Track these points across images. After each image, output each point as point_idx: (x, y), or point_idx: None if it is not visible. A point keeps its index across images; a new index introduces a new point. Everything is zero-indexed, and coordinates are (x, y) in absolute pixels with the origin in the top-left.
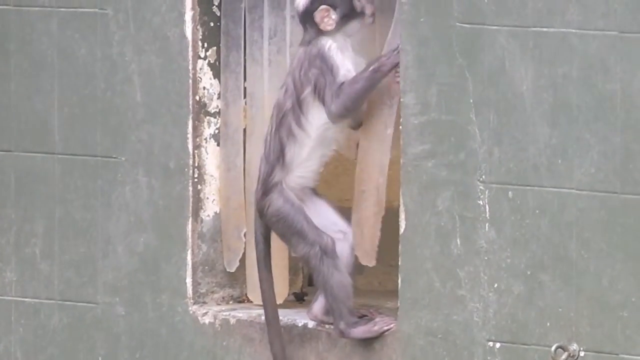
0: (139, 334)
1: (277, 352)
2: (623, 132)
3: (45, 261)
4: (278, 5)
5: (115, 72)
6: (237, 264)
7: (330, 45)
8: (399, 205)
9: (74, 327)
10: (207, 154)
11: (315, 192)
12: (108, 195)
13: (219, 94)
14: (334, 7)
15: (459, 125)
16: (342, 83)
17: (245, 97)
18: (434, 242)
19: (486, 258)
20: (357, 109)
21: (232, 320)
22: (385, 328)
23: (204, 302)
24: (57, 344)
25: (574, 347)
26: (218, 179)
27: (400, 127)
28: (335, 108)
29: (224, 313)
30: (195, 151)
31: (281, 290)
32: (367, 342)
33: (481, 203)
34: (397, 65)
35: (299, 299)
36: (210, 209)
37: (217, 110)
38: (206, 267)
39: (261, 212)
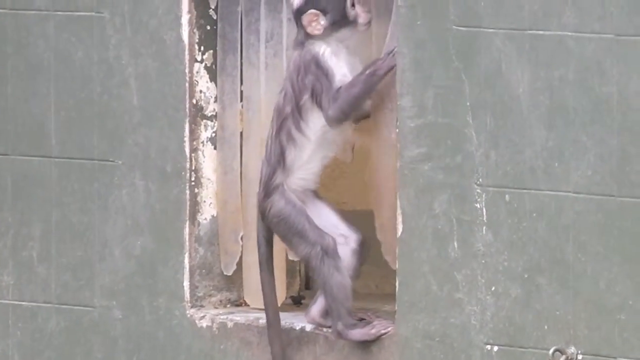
0: (136, 338)
1: (277, 354)
2: (619, 134)
3: (42, 264)
4: (275, 9)
5: (112, 75)
6: (235, 267)
7: (324, 50)
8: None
9: (71, 331)
10: (204, 157)
11: (317, 195)
12: (105, 199)
13: (215, 97)
14: (325, 13)
15: (456, 128)
16: (339, 88)
17: (241, 100)
18: (431, 245)
19: (483, 261)
20: (355, 113)
21: (230, 324)
22: (383, 331)
23: (202, 306)
24: (54, 347)
25: (572, 350)
26: (215, 183)
27: (397, 130)
28: (333, 112)
29: (222, 316)
30: (192, 154)
31: (279, 293)
32: (365, 345)
33: (478, 206)
34: (393, 68)
35: (297, 302)
36: (207, 212)
37: (214, 113)
38: (203, 271)
39: (263, 214)
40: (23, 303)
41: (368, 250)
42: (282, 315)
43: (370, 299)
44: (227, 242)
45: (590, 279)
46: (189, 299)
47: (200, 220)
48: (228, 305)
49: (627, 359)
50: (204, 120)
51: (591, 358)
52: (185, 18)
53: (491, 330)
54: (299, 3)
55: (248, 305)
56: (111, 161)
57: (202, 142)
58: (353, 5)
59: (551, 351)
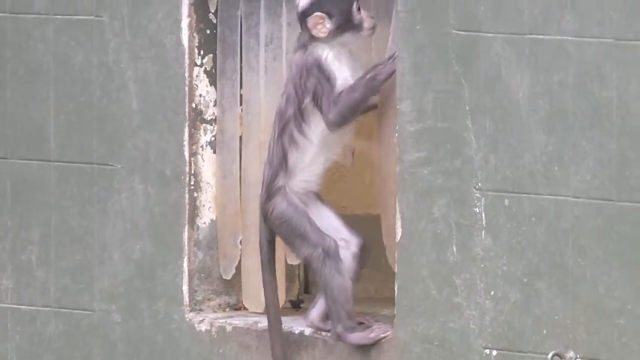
0: (135, 342)
1: (278, 355)
2: (619, 139)
3: (41, 268)
4: (274, 13)
5: (111, 79)
6: (233, 271)
7: (327, 54)
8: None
9: (70, 335)
10: (203, 161)
11: (319, 198)
12: (104, 203)
13: (215, 101)
14: (330, 16)
15: (455, 133)
16: (340, 92)
17: (241, 104)
18: (430, 249)
19: (482, 265)
20: (354, 117)
21: (229, 328)
22: (382, 336)
23: (200, 310)
24: (53, 351)
25: (571, 354)
26: (214, 187)
27: (397, 134)
28: (333, 116)
29: (220, 320)
30: (192, 158)
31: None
32: (364, 350)
33: (477, 210)
34: (393, 73)
35: (295, 306)
36: (207, 216)
37: (214, 117)
38: (202, 275)
39: (265, 216)
40: (22, 307)
41: (368, 254)
42: (281, 319)
43: (370, 303)
44: (226, 246)
45: (590, 283)
46: (188, 303)
47: (200, 224)
48: (227, 309)
49: None
50: (204, 124)
51: None
52: (184, 22)
53: (490, 335)
54: (305, 5)
55: (247, 310)
56: (110, 165)
57: (202, 146)
58: (359, 9)
59: (550, 355)
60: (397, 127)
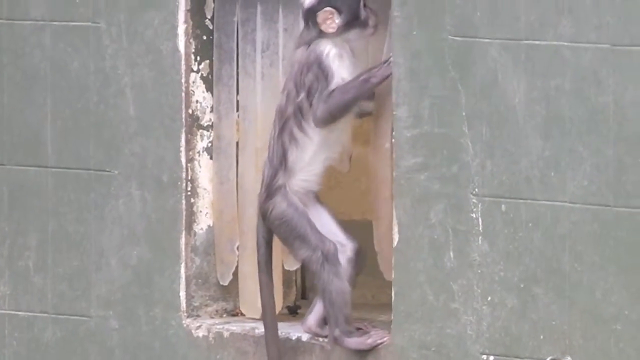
0: (133, 348)
1: (273, 357)
2: (616, 144)
3: (38, 274)
4: (271, 19)
5: (108, 85)
6: (231, 277)
7: (330, 51)
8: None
9: (67, 341)
10: (200, 167)
11: (318, 199)
12: (101, 209)
13: (211, 107)
14: (340, 12)
15: (452, 138)
16: (333, 90)
17: (238, 110)
18: (427, 255)
19: (479, 271)
20: (342, 117)
21: (226, 334)
22: (379, 341)
23: (198, 315)
24: (50, 357)
25: None
26: (211, 192)
27: (393, 140)
28: (320, 113)
29: (218, 326)
30: (188, 164)
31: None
32: (361, 355)
33: (474, 216)
34: (388, 77)
35: (293, 312)
36: (204, 222)
37: (210, 123)
38: (199, 280)
39: (264, 215)
40: (19, 313)
41: (364, 259)
42: (278, 325)
43: (367, 308)
44: (223, 251)
45: (586, 289)
46: (185, 309)
47: (197, 230)
48: (224, 315)
49: None
50: (200, 130)
51: None
52: (181, 28)
53: (487, 340)
54: (314, 0)
55: (244, 315)
56: (107, 171)
57: (198, 152)
58: (365, 6)
59: None
60: (394, 133)
